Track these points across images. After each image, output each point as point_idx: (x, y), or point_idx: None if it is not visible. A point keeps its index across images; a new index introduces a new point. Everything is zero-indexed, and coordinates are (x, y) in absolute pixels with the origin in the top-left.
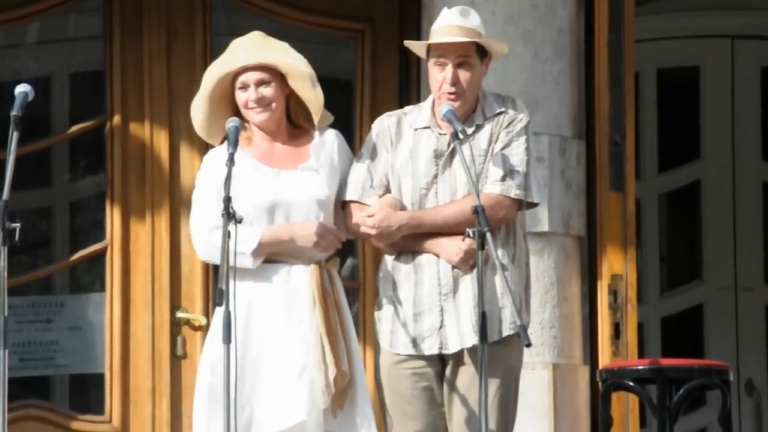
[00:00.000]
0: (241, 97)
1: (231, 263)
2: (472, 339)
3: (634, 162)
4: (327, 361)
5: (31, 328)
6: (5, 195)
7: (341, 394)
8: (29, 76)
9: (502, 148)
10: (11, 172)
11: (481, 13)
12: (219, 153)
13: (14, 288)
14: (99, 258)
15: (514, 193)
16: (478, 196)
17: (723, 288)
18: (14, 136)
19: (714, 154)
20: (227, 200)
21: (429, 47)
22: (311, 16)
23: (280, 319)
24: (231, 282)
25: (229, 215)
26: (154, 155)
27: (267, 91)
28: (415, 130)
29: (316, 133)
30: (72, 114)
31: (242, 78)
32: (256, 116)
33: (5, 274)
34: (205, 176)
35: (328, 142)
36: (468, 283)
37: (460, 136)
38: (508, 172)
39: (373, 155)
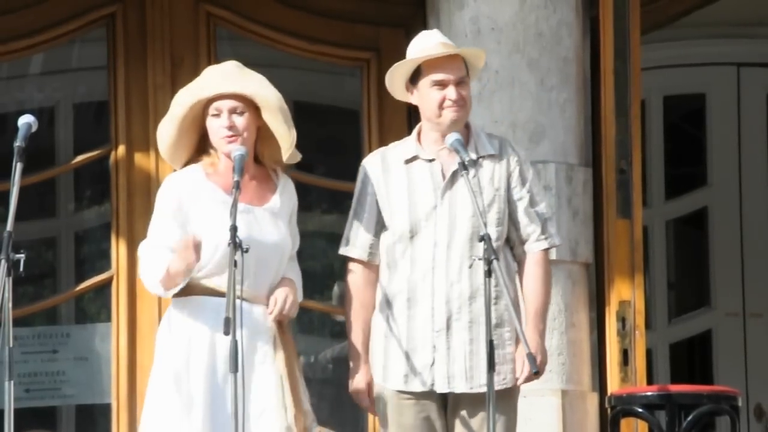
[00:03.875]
0: (213, 123)
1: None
2: (461, 385)
3: (641, 189)
4: (286, 403)
5: (37, 358)
6: (9, 226)
7: None
8: (33, 107)
9: (530, 199)
10: (15, 202)
11: (487, 42)
12: (183, 177)
13: (20, 319)
14: (105, 288)
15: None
16: (485, 224)
17: (731, 314)
18: (18, 167)
19: (721, 181)
20: (233, 229)
21: (420, 71)
22: (317, 46)
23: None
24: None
25: (236, 245)
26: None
27: (240, 120)
28: (406, 162)
29: (281, 177)
30: (76, 144)
31: (216, 104)
32: (226, 145)
33: (10, 305)
34: (163, 199)
35: (291, 191)
36: (464, 323)
37: (467, 166)
38: (544, 223)
39: (359, 202)
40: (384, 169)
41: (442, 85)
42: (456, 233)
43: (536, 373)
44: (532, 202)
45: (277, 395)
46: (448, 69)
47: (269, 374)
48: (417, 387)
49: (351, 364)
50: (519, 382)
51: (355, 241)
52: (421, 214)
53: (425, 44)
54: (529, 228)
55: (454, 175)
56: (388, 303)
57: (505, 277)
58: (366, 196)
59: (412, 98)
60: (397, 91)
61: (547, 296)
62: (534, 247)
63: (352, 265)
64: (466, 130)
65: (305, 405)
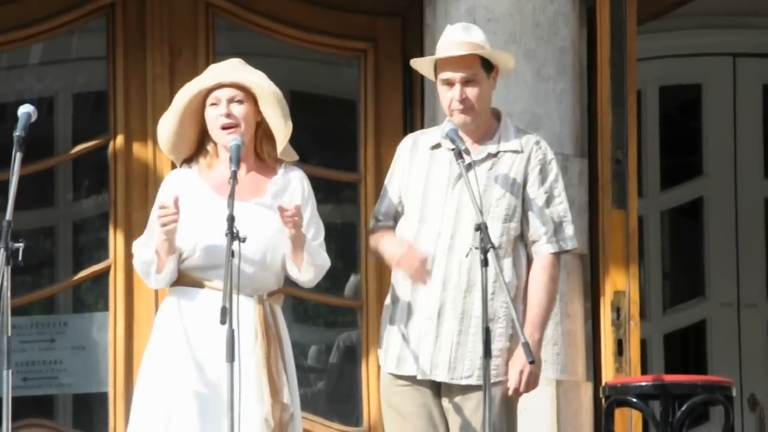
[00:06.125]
0: (211, 113)
1: (154, 279)
2: (443, 374)
3: (636, 179)
4: (263, 394)
5: (35, 347)
6: (8, 215)
7: (282, 428)
8: (33, 97)
9: (546, 200)
10: (14, 192)
11: (484, 33)
12: (178, 176)
13: (18, 308)
14: (102, 277)
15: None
16: (482, 213)
17: (725, 304)
18: (17, 157)
19: (716, 171)
20: (231, 219)
21: (436, 67)
22: (314, 36)
23: (219, 352)
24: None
25: (233, 234)
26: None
27: (238, 109)
28: (431, 149)
29: (281, 170)
30: (75, 134)
31: (215, 94)
32: (224, 136)
33: (8, 294)
34: (159, 198)
35: (292, 182)
36: (455, 313)
37: (464, 155)
38: (558, 226)
39: (389, 181)
40: (412, 152)
41: (449, 84)
42: (461, 225)
43: (531, 362)
44: (549, 203)
45: (255, 386)
46: (455, 67)
47: (247, 365)
48: (407, 371)
49: (390, 252)
50: (510, 392)
51: (379, 218)
52: (431, 201)
53: (443, 41)
54: (540, 229)
55: (469, 167)
56: (395, 287)
57: (506, 272)
58: (394, 178)
59: None
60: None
61: (549, 303)
62: (542, 249)
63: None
64: (497, 122)
65: (284, 397)
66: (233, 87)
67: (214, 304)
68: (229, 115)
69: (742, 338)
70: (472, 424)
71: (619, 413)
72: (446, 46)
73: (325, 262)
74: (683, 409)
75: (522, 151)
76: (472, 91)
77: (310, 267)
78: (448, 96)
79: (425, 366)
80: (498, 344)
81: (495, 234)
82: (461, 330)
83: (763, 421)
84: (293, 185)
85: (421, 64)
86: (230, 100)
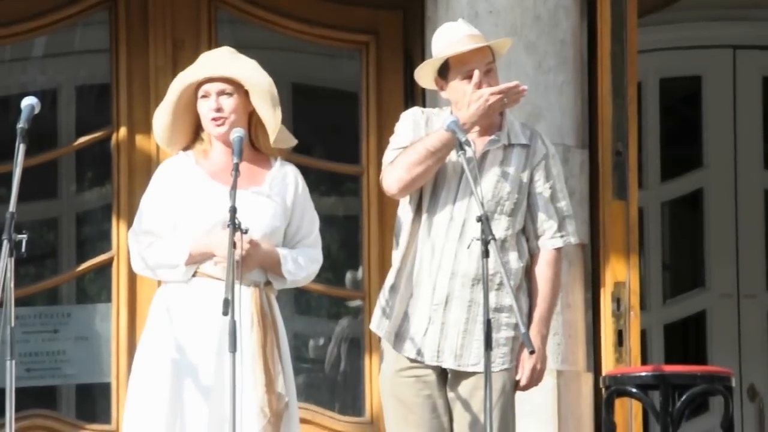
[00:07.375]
0: (202, 106)
1: (168, 278)
2: (449, 361)
3: (636, 170)
4: (258, 384)
5: (38, 338)
6: (12, 207)
7: (278, 417)
8: (36, 89)
9: (551, 195)
10: (18, 184)
11: (485, 25)
12: (174, 162)
13: (21, 299)
14: (105, 268)
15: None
16: (482, 204)
17: (725, 295)
18: (21, 149)
19: (716, 163)
20: (233, 210)
21: (448, 67)
22: (316, 29)
23: (215, 340)
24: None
25: (235, 226)
26: None
27: (227, 102)
28: None
29: (277, 163)
30: (78, 126)
31: (205, 87)
32: (215, 129)
33: (12, 284)
34: (154, 184)
35: (288, 177)
36: (463, 302)
37: (464, 147)
38: (562, 220)
39: (411, 130)
40: (428, 128)
41: (471, 78)
42: (472, 214)
43: (532, 352)
44: (554, 198)
45: (251, 376)
46: (478, 58)
47: (244, 354)
48: (407, 352)
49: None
50: (522, 384)
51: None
52: (444, 187)
53: (452, 38)
54: (546, 224)
55: (484, 156)
56: (402, 259)
57: (512, 263)
58: (415, 133)
59: (444, 94)
60: (427, 85)
61: (554, 298)
62: (548, 244)
63: None
64: (500, 116)
65: (279, 387)
66: (222, 81)
67: (207, 290)
68: (218, 110)
69: (741, 329)
70: (481, 418)
71: (619, 403)
72: (459, 42)
73: (314, 265)
74: (683, 399)
75: (529, 145)
76: (493, 80)
77: (292, 284)
78: (468, 90)
79: (431, 353)
80: (505, 333)
81: (503, 227)
82: (468, 318)
83: (762, 411)
84: (289, 179)
85: (429, 67)
86: (219, 93)
